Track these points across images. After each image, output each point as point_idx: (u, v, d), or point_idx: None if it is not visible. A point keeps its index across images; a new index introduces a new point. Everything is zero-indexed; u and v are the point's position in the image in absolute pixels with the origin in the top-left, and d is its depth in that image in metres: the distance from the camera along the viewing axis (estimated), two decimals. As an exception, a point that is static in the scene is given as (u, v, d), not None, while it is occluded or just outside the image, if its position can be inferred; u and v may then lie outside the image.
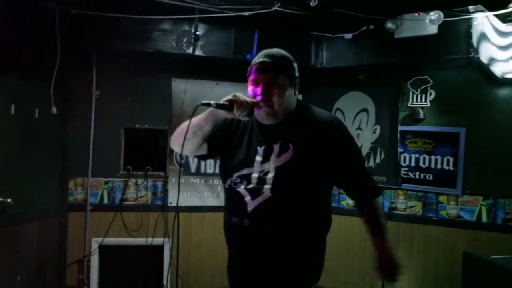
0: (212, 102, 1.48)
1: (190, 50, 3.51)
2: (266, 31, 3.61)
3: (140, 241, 3.67)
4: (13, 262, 2.99)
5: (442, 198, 3.54)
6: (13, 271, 3.00)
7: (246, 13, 3.34)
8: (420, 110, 3.58)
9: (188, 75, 3.78)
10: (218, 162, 1.88)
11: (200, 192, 3.85)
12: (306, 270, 1.63)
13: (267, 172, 1.54)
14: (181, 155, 3.49)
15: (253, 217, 1.54)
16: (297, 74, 1.63)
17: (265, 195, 1.53)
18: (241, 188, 1.57)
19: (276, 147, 1.56)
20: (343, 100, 3.98)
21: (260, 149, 1.58)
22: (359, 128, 3.91)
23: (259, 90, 1.53)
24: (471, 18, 3.08)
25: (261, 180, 1.54)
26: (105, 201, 3.70)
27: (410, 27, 3.24)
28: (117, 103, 3.70)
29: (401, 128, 3.70)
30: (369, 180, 1.72)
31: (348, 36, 3.58)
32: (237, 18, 3.35)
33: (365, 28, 3.47)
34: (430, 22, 3.08)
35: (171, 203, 3.80)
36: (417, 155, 3.64)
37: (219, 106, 1.49)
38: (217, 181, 3.91)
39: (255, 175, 1.56)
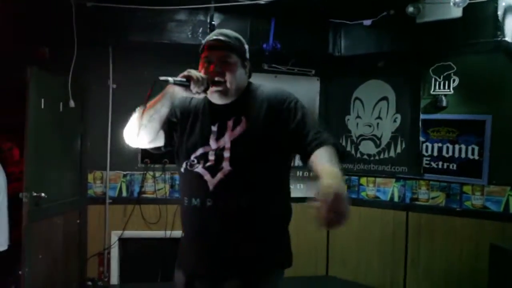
0: (169, 78, 1.44)
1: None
2: (283, 19, 3.54)
3: (159, 233, 3.68)
4: (45, 255, 3.03)
5: (466, 189, 3.43)
6: (44, 265, 3.04)
7: (263, 1, 3.27)
8: (443, 98, 3.46)
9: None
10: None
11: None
12: (271, 247, 1.55)
13: (223, 148, 1.50)
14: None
15: (216, 194, 1.47)
16: (247, 56, 1.62)
17: (225, 170, 1.48)
18: (199, 168, 1.51)
19: (230, 123, 1.53)
20: (362, 89, 3.88)
21: (214, 127, 1.55)
22: (379, 117, 3.81)
23: (212, 66, 1.51)
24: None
25: (219, 157, 1.49)
26: (124, 194, 3.71)
27: (433, 11, 3.12)
28: (134, 95, 3.63)
29: (423, 116, 3.59)
30: (321, 131, 1.51)
31: (367, 22, 3.47)
32: (253, 6, 3.29)
33: (385, 13, 3.36)
34: (454, 5, 2.94)
35: (189, 195, 3.78)
36: (440, 144, 3.53)
37: (177, 82, 1.44)
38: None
39: (211, 153, 1.51)
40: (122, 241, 3.66)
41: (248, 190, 1.49)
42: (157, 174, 3.76)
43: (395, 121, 3.74)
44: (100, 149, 3.61)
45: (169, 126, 1.61)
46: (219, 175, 1.48)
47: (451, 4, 2.97)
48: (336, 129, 3.92)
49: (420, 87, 3.58)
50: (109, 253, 3.63)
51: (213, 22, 3.38)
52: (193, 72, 1.45)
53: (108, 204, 3.64)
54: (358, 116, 3.91)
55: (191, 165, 1.53)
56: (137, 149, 3.69)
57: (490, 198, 3.32)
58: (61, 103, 3.21)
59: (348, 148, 3.93)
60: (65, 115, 3.27)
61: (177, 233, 3.69)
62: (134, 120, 1.55)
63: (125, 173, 3.72)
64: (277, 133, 1.50)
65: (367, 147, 3.88)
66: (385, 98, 3.78)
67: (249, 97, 1.57)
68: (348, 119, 3.96)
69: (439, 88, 3.50)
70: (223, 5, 3.30)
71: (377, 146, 3.83)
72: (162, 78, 1.44)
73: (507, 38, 2.96)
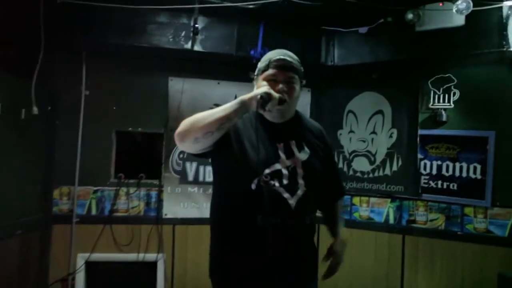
0: (263, 94, 1.45)
1: (188, 45, 3.19)
2: (272, 25, 3.30)
3: (131, 256, 3.33)
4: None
5: (468, 211, 3.17)
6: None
7: (251, 5, 3.02)
8: (443, 112, 3.24)
9: (186, 73, 3.45)
10: (219, 163, 1.66)
11: (198, 203, 3.49)
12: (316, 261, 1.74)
13: (295, 168, 1.56)
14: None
15: (296, 213, 1.53)
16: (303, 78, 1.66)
17: (302, 190, 1.55)
18: (277, 186, 1.51)
19: (293, 144, 1.60)
20: (356, 102, 3.64)
21: (280, 146, 1.58)
22: (373, 132, 3.56)
23: (279, 85, 1.53)
24: (505, 8, 2.75)
25: (293, 175, 1.55)
26: (93, 212, 3.35)
27: (434, 18, 2.92)
28: (108, 104, 3.37)
29: (421, 132, 3.35)
30: (342, 183, 1.94)
31: (363, 30, 3.26)
32: (240, 10, 3.06)
33: (382, 20, 3.15)
34: (457, 12, 2.75)
35: (166, 214, 3.44)
36: (439, 162, 3.28)
37: (264, 100, 1.45)
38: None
39: (284, 171, 1.54)
40: (90, 265, 3.27)
41: (313, 209, 1.67)
42: (131, 190, 3.41)
43: (391, 136, 3.50)
44: (68, 162, 3.27)
45: (224, 136, 1.55)
46: (298, 194, 1.54)
47: (454, 11, 2.78)
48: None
49: (418, 100, 3.36)
50: (73, 278, 3.23)
51: (196, 25, 3.13)
52: (272, 91, 1.49)
53: (74, 223, 3.27)
54: (351, 131, 3.65)
55: (266, 182, 1.51)
56: (110, 162, 3.40)
57: (494, 221, 3.08)
58: (23, 110, 2.86)
59: (340, 165, 3.66)
60: (28, 123, 2.92)
61: (151, 256, 3.36)
62: (197, 124, 1.46)
63: (95, 188, 3.36)
64: (324, 164, 1.67)
65: (361, 164, 3.61)
66: (380, 112, 3.54)
67: (298, 121, 1.69)
68: (341, 134, 3.69)
69: (439, 101, 3.28)
70: (208, 6, 3.04)
71: (371, 163, 3.57)
72: (262, 93, 1.45)
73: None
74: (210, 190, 3.48)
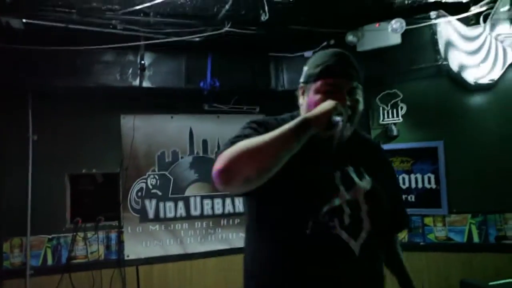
0: (342, 110, 1.09)
1: (137, 82, 3.17)
2: (220, 55, 3.34)
3: (93, 305, 3.16)
4: None
5: (428, 220, 3.24)
6: None
7: (197, 38, 3.05)
8: (393, 127, 3.34)
9: (138, 110, 3.42)
10: (260, 202, 1.23)
11: (161, 240, 3.40)
12: None
13: (357, 201, 1.19)
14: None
15: (361, 260, 1.16)
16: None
17: (366, 230, 1.18)
18: (338, 229, 1.15)
19: (351, 171, 1.23)
20: (310, 124, 3.70)
21: (337, 174, 1.20)
22: (330, 152, 3.61)
23: (343, 98, 1.15)
24: (435, 25, 2.91)
25: (356, 212, 1.18)
26: (49, 262, 3.18)
27: (372, 38, 3.04)
28: (59, 147, 3.27)
29: (375, 147, 3.42)
30: (405, 208, 1.46)
31: (308, 53, 3.34)
32: (187, 43, 3.08)
33: (325, 43, 3.25)
34: (392, 31, 2.89)
35: (128, 256, 3.32)
36: (395, 176, 3.35)
37: (338, 121, 1.07)
38: (179, 226, 3.47)
39: (346, 208, 1.17)
40: (48, 319, 3.08)
41: (381, 252, 1.27)
42: (89, 234, 3.28)
43: (346, 154, 3.55)
44: (18, 211, 3.11)
45: None
46: (362, 238, 1.17)
47: (389, 30, 2.90)
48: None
49: (369, 117, 3.45)
50: (31, 337, 3.03)
51: (143, 62, 3.12)
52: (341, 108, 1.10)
53: (29, 277, 3.08)
54: (309, 152, 3.69)
55: (325, 224, 1.14)
56: (64, 207, 3.27)
57: (452, 228, 3.15)
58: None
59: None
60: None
61: (114, 303, 3.19)
62: (247, 159, 1.04)
63: (50, 236, 3.21)
64: (389, 190, 1.29)
65: (321, 184, 3.63)
66: (334, 131, 3.60)
67: (355, 137, 1.29)
68: (299, 156, 3.72)
69: (388, 117, 3.39)
70: (153, 42, 3.05)
71: (331, 182, 3.60)
72: (338, 118, 1.07)
73: (447, 62, 2.91)
74: (172, 226, 3.49)
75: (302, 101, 1.28)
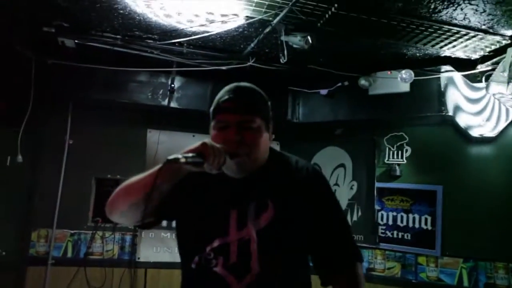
0: (180, 156, 1.09)
1: (165, 102, 3.52)
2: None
3: (103, 299, 3.45)
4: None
5: (421, 259, 3.39)
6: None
7: (223, 67, 3.38)
8: (397, 167, 3.54)
9: (163, 126, 3.76)
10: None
11: (170, 248, 3.68)
12: None
13: (248, 241, 1.18)
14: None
15: None
16: (271, 114, 1.31)
17: (254, 272, 1.17)
18: (219, 267, 1.18)
19: (252, 207, 1.22)
20: (320, 155, 3.94)
21: (233, 212, 1.22)
22: (336, 184, 3.84)
23: (231, 134, 1.18)
24: (440, 77, 3.13)
25: (243, 253, 1.18)
26: (69, 254, 3.51)
27: (383, 84, 3.28)
28: (90, 152, 3.63)
29: (378, 184, 3.63)
30: (354, 242, 1.34)
31: (323, 91, 3.61)
32: (214, 72, 3.39)
33: (340, 84, 3.52)
34: (401, 80, 3.12)
35: (139, 258, 3.62)
36: (394, 213, 3.54)
37: (189, 161, 1.10)
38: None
39: (233, 247, 1.19)
40: (62, 307, 3.40)
41: None
42: (107, 234, 3.60)
43: (351, 188, 3.77)
44: (48, 206, 3.47)
45: (164, 200, 1.22)
46: (248, 279, 1.17)
47: (399, 79, 3.14)
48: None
49: (375, 156, 3.66)
50: (45, 320, 3.35)
51: (173, 85, 3.47)
52: (209, 145, 1.11)
53: (50, 265, 3.42)
54: (316, 182, 3.91)
55: (207, 261, 1.19)
56: (88, 207, 3.61)
57: (444, 270, 3.29)
58: (8, 157, 3.11)
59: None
60: (12, 169, 3.16)
61: (121, 299, 3.47)
62: (122, 193, 1.22)
63: (72, 231, 3.55)
64: (307, 226, 1.24)
65: (325, 213, 3.84)
66: (342, 165, 3.84)
67: (272, 171, 1.28)
68: (307, 184, 3.95)
69: (393, 157, 3.59)
70: (184, 69, 3.39)
71: (334, 212, 3.80)
72: (171, 157, 1.09)
73: (449, 109, 3.12)
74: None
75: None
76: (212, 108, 1.27)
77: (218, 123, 1.22)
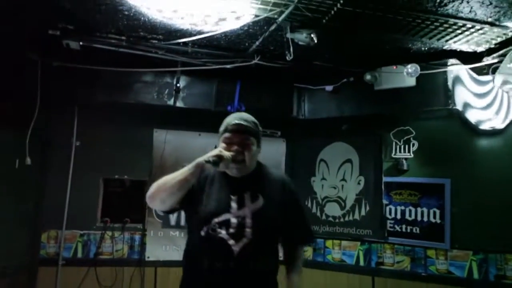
0: (210, 159, 1.65)
1: (171, 102, 3.52)
2: (248, 82, 3.65)
3: (114, 298, 3.48)
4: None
5: (430, 253, 3.40)
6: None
7: (228, 66, 3.37)
8: (404, 161, 3.53)
9: (169, 125, 3.77)
10: (186, 214, 1.91)
11: (179, 246, 3.69)
12: None
13: (244, 217, 1.74)
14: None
15: (239, 258, 1.70)
16: (261, 137, 1.88)
17: (248, 238, 1.71)
18: (223, 233, 1.71)
19: (247, 196, 1.79)
20: (327, 151, 3.94)
21: (234, 197, 1.78)
22: (343, 179, 3.84)
23: (234, 147, 1.75)
24: (447, 71, 3.11)
25: (241, 225, 1.73)
26: (79, 255, 3.54)
27: (389, 79, 3.27)
28: (97, 153, 3.65)
29: (385, 179, 3.63)
30: (310, 228, 2.07)
31: (329, 88, 3.61)
32: (219, 70, 3.39)
33: (345, 80, 3.51)
34: (407, 75, 3.11)
35: (148, 257, 3.64)
36: (402, 207, 3.54)
37: (213, 162, 1.65)
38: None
39: (234, 221, 1.73)
40: (74, 307, 3.43)
41: (264, 256, 1.78)
42: (116, 234, 3.63)
43: (359, 183, 3.77)
44: (57, 207, 3.49)
45: (188, 192, 1.76)
46: (243, 241, 1.71)
47: (405, 74, 3.13)
48: (302, 190, 3.90)
49: (382, 150, 3.66)
50: (57, 320, 3.38)
51: (178, 85, 3.47)
52: (224, 153, 1.70)
53: (60, 266, 3.45)
54: (323, 178, 3.93)
55: (213, 230, 1.73)
56: (97, 207, 3.63)
57: (453, 262, 3.30)
58: (17, 160, 3.13)
59: (314, 210, 3.91)
60: (21, 171, 3.18)
61: (132, 299, 3.50)
62: (162, 187, 1.72)
63: (82, 232, 3.58)
64: (281, 213, 1.82)
65: (332, 209, 3.86)
66: (349, 161, 3.83)
67: (259, 174, 1.88)
68: (314, 181, 3.97)
69: (400, 151, 3.59)
70: (189, 69, 3.39)
71: (342, 208, 3.82)
72: (206, 160, 1.66)
73: (458, 107, 3.11)
74: (191, 234, 3.78)
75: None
76: (222, 128, 1.82)
77: (226, 139, 1.79)
